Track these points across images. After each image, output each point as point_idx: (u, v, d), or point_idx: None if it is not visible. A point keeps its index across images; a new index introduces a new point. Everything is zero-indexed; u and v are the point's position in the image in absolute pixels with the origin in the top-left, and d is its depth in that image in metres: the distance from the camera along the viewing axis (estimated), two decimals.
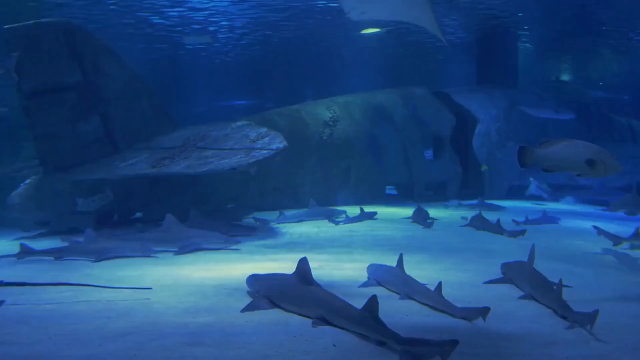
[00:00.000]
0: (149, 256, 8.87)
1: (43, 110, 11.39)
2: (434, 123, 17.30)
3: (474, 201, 15.60)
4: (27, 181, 11.86)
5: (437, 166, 17.32)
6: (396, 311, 5.86)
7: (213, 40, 20.41)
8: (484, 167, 17.71)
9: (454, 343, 4.51)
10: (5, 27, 11.11)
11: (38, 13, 15.61)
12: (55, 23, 11.44)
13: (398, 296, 6.44)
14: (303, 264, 5.83)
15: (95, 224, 11.43)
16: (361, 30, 21.75)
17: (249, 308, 5.86)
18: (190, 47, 21.99)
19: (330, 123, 15.54)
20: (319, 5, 18.34)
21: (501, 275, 7.31)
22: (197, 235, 9.58)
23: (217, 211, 12.65)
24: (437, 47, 25.51)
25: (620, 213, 13.09)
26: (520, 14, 20.12)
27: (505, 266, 7.41)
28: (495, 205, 15.22)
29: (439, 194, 17.34)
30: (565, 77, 31.26)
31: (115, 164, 11.35)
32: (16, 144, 15.47)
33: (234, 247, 9.49)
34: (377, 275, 7.06)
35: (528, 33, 23.50)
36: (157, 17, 19.50)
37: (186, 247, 9.17)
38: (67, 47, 11.42)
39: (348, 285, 6.95)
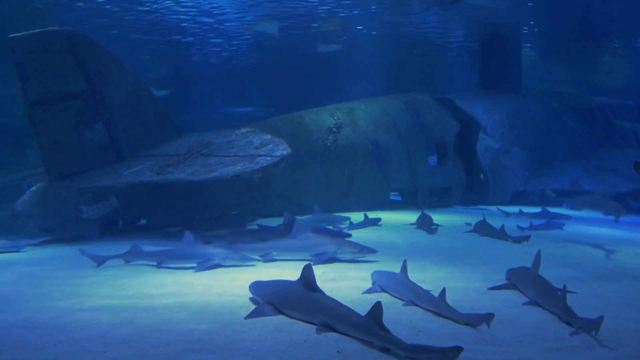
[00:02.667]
0: (248, 265, 8.45)
1: (48, 118, 11.44)
2: (437, 129, 17.31)
3: (537, 209, 15.29)
4: (32, 188, 11.91)
5: (441, 172, 17.30)
6: (400, 317, 5.86)
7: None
8: (483, 175, 17.72)
9: (458, 349, 4.51)
10: (10, 35, 11.18)
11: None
12: (60, 32, 11.51)
13: (402, 302, 6.43)
14: (307, 270, 5.83)
15: (100, 231, 11.48)
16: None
17: (253, 314, 5.86)
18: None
19: (334, 129, 15.55)
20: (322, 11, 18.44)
21: (505, 281, 7.29)
22: (331, 242, 8.96)
23: (221, 218, 12.66)
24: (441, 52, 25.60)
25: (627, 218, 13.21)
26: (525, 28, 20.16)
27: (510, 272, 7.39)
28: (562, 214, 14.61)
29: (443, 200, 17.33)
30: (568, 83, 31.27)
31: (120, 172, 11.39)
32: (21, 152, 15.57)
33: (368, 256, 8.89)
34: (381, 281, 7.05)
35: (530, 45, 23.57)
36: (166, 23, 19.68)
37: (321, 257, 8.62)
38: (72, 56, 11.49)
39: (352, 291, 6.95)
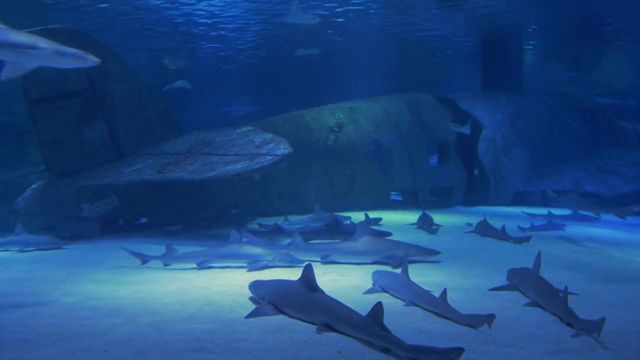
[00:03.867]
0: (296, 266, 8.13)
1: (49, 116, 11.43)
2: (438, 129, 17.28)
3: (568, 211, 15.19)
4: (33, 186, 11.89)
5: (442, 172, 17.28)
6: (401, 318, 5.85)
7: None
8: (477, 171, 17.67)
9: (459, 350, 4.50)
10: None
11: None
12: (60, 29, 11.48)
13: (403, 303, 6.42)
14: (308, 270, 5.82)
15: (100, 229, 11.48)
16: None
17: (253, 314, 5.86)
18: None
19: (335, 129, 15.54)
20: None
21: (506, 282, 7.28)
22: (398, 246, 8.78)
23: (222, 217, 12.66)
24: (442, 52, 25.59)
25: (631, 219, 13.38)
26: (531, 28, 20.13)
27: (511, 273, 7.38)
28: (591, 216, 14.55)
29: (444, 200, 17.31)
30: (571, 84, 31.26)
31: (121, 170, 11.38)
32: (22, 150, 15.54)
33: (434, 258, 8.78)
34: (382, 281, 7.04)
35: (533, 44, 23.53)
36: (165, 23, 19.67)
37: (391, 260, 8.38)
38: None
39: (353, 291, 6.94)
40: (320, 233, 10.62)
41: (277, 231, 11.10)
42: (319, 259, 8.60)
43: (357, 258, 8.66)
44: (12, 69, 6.55)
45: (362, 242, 8.73)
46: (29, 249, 10.14)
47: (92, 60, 7.33)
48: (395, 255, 8.47)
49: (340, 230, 10.56)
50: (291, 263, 8.23)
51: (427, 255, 8.82)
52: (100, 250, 10.06)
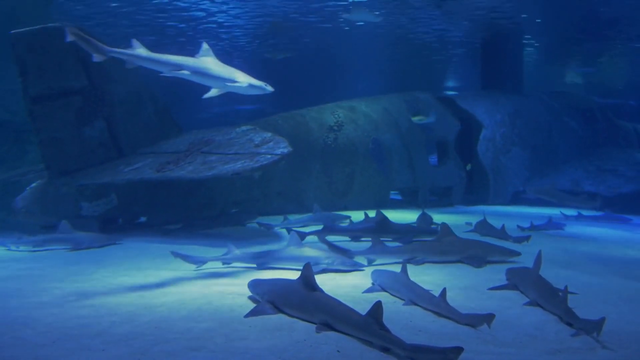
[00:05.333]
0: (358, 270, 8.03)
1: (48, 115, 11.42)
2: (438, 128, 17.28)
3: (599, 213, 15.14)
4: (32, 185, 11.88)
5: (441, 171, 17.28)
6: (400, 317, 5.84)
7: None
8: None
9: (458, 350, 4.49)
10: (12, 31, 11.15)
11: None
12: (61, 27, 11.46)
13: (402, 302, 6.41)
14: (307, 269, 5.81)
15: (99, 228, 11.46)
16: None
17: (252, 313, 5.85)
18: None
19: (335, 128, 15.53)
20: (323, 10, 18.41)
21: (506, 282, 7.27)
22: (478, 246, 8.76)
23: (221, 216, 12.65)
24: (443, 52, 25.58)
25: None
26: (527, 17, 20.06)
27: (510, 272, 7.38)
28: (623, 217, 14.45)
29: (444, 199, 17.31)
30: (571, 82, 31.22)
31: (120, 169, 11.37)
32: (21, 148, 15.52)
33: (514, 259, 8.68)
34: (382, 280, 7.03)
35: (535, 43, 23.48)
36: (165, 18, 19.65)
37: (473, 260, 8.40)
38: (73, 52, 11.45)
39: (352, 290, 6.93)
40: (369, 232, 10.46)
41: (327, 230, 10.97)
42: (400, 261, 8.39)
43: (441, 258, 8.65)
44: (215, 91, 9.07)
45: (445, 242, 8.76)
46: (82, 247, 10.09)
47: (270, 89, 9.43)
48: (478, 256, 8.53)
49: (389, 229, 10.51)
50: (353, 267, 8.05)
51: (507, 255, 8.80)
52: (100, 249, 10.06)
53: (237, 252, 8.31)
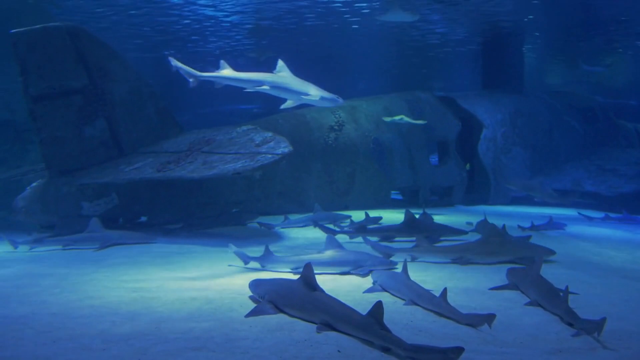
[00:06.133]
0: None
1: (49, 114, 11.42)
2: (439, 128, 17.26)
3: (619, 215, 15.12)
4: (33, 184, 11.88)
5: (442, 171, 17.27)
6: (401, 317, 5.84)
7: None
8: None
9: (459, 350, 4.49)
10: (12, 31, 11.16)
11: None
12: (62, 27, 11.49)
13: (403, 302, 6.40)
14: (308, 269, 5.81)
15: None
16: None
17: (253, 313, 5.84)
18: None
19: (336, 127, 15.52)
20: (322, 7, 18.40)
21: (507, 282, 7.27)
22: (526, 246, 8.90)
23: (222, 215, 12.65)
24: (443, 51, 25.56)
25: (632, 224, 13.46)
26: (529, 18, 20.01)
27: (511, 272, 7.37)
28: None
29: (444, 199, 17.30)
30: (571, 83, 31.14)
31: (121, 168, 11.37)
32: (22, 148, 15.54)
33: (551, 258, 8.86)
34: (382, 280, 7.03)
35: (536, 42, 23.44)
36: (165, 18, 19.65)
37: (528, 260, 8.40)
38: (73, 51, 11.47)
39: (353, 290, 6.93)
40: (400, 231, 10.52)
41: (361, 229, 10.88)
42: (447, 261, 8.46)
43: (491, 258, 8.66)
44: (291, 103, 10.27)
45: (493, 243, 8.80)
46: (110, 243, 10.12)
47: (342, 101, 10.57)
48: (526, 256, 8.58)
49: (419, 229, 10.50)
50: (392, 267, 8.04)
51: (548, 254, 8.90)
52: (98, 249, 10.07)
53: (277, 256, 8.15)
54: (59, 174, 11.54)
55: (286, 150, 10.38)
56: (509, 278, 7.30)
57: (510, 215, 14.75)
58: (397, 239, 10.45)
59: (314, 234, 11.85)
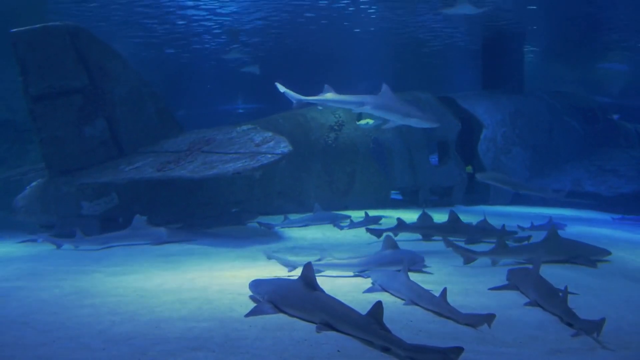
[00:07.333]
0: None
1: (49, 114, 11.42)
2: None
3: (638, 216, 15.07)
4: (33, 184, 11.88)
5: (442, 171, 17.27)
6: (401, 317, 5.84)
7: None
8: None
9: (458, 350, 4.49)
10: (12, 30, 11.15)
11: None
12: (61, 26, 11.48)
13: (403, 302, 6.41)
14: (307, 269, 5.81)
15: (100, 227, 11.46)
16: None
17: (253, 313, 5.85)
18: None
19: (336, 127, 15.52)
20: (321, 8, 18.40)
21: (506, 282, 7.27)
22: (584, 246, 8.99)
23: (222, 215, 12.65)
24: (443, 51, 25.57)
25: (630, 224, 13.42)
26: (534, 27, 19.91)
27: (511, 272, 7.37)
28: None
29: (444, 199, 17.30)
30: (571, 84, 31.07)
31: (121, 168, 11.37)
32: (22, 147, 15.54)
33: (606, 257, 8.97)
34: (382, 280, 7.03)
35: (534, 46, 23.38)
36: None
37: (577, 259, 8.67)
38: (73, 51, 11.47)
39: (353, 290, 6.93)
40: (441, 230, 10.59)
41: (401, 227, 10.91)
42: (523, 261, 8.53)
43: (551, 257, 8.70)
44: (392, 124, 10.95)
45: (551, 242, 8.83)
46: (161, 240, 10.20)
47: (438, 125, 11.27)
48: (581, 255, 8.73)
49: (461, 228, 10.60)
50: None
51: (604, 254, 9.02)
52: (98, 249, 10.07)
53: (334, 259, 8.05)
54: (59, 174, 11.54)
55: (286, 150, 10.38)
56: (508, 278, 7.31)
57: (509, 216, 14.74)
58: (436, 237, 10.60)
59: (314, 233, 11.87)
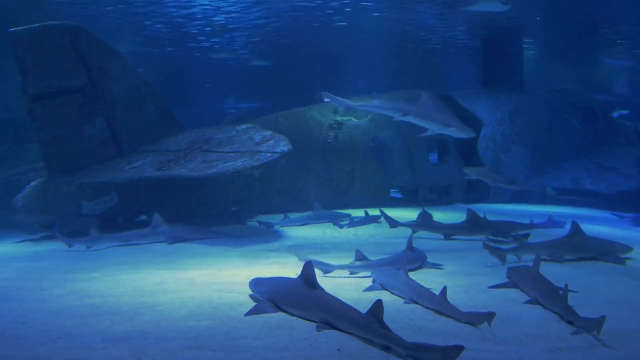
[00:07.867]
0: None
1: (48, 113, 11.39)
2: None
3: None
4: (32, 184, 11.86)
5: (442, 170, 17.26)
6: (401, 316, 5.84)
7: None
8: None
9: (459, 348, 4.49)
10: (11, 30, 11.14)
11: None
12: (61, 26, 11.46)
13: (403, 300, 6.41)
14: (308, 267, 5.81)
15: (100, 227, 11.45)
16: None
17: (252, 312, 5.84)
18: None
19: (335, 126, 15.51)
20: (322, 8, 18.38)
21: (506, 280, 7.27)
22: (609, 244, 9.13)
23: (222, 214, 12.64)
24: (443, 50, 25.56)
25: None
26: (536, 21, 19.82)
27: (511, 270, 7.37)
28: None
29: (444, 197, 17.30)
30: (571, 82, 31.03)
31: (121, 167, 11.36)
32: (21, 147, 15.53)
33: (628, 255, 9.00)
34: (382, 279, 7.03)
35: (532, 40, 23.34)
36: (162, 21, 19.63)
37: (605, 257, 8.82)
38: (72, 50, 11.44)
39: (352, 289, 6.93)
40: (461, 229, 10.81)
41: (428, 227, 11.14)
42: (547, 258, 8.58)
43: (575, 254, 8.82)
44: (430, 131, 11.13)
45: (575, 239, 8.93)
46: (179, 239, 10.26)
47: (473, 134, 11.31)
48: (608, 252, 8.85)
49: (481, 227, 10.70)
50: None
51: (627, 251, 9.09)
52: (98, 248, 10.07)
53: (367, 261, 7.91)
54: (59, 173, 11.52)
55: (285, 148, 10.38)
56: (508, 276, 7.31)
57: (509, 213, 14.72)
58: (457, 237, 10.80)
59: (314, 232, 11.87)
